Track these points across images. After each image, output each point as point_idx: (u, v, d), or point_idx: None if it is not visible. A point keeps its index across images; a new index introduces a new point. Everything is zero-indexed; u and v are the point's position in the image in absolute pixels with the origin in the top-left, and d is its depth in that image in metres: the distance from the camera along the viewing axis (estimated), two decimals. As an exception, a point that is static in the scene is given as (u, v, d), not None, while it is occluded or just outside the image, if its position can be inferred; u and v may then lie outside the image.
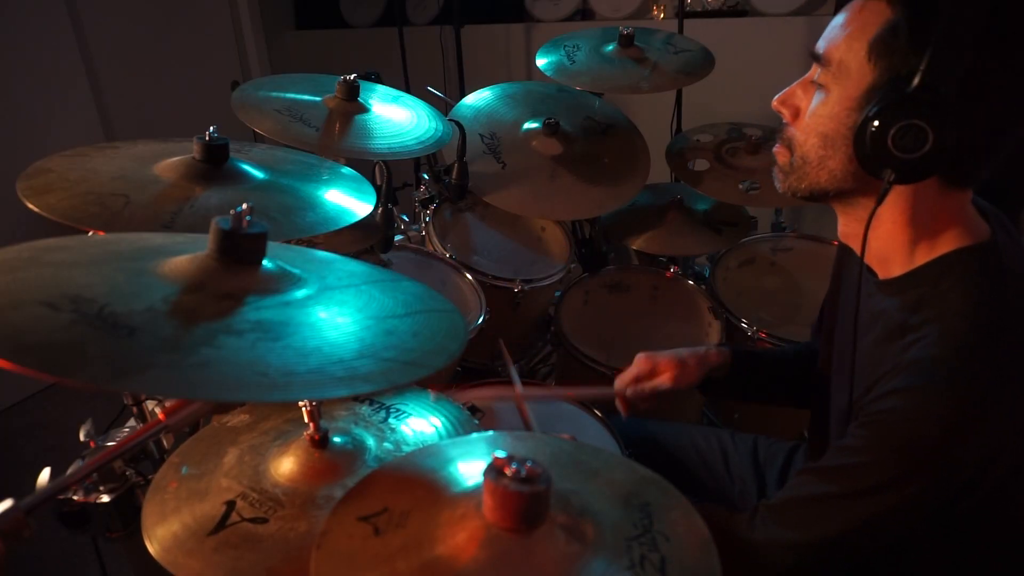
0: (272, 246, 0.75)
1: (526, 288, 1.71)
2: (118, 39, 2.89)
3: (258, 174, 1.06)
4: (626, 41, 1.90)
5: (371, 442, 0.90)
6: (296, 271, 0.75)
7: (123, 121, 2.94)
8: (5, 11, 2.50)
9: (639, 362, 1.22)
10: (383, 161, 1.49)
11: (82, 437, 0.95)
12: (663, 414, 1.59)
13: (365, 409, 0.98)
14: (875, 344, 0.88)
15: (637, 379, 1.22)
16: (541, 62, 1.88)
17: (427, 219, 1.82)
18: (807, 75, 0.90)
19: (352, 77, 1.36)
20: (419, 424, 0.96)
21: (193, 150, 1.01)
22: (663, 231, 1.96)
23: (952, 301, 0.80)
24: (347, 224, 1.02)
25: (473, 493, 0.67)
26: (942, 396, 0.76)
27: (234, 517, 0.79)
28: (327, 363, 0.63)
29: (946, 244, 0.84)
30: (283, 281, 0.73)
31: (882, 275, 0.91)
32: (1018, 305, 0.80)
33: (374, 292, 0.79)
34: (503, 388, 1.25)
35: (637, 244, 1.97)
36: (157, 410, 0.85)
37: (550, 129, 1.81)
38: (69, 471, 0.82)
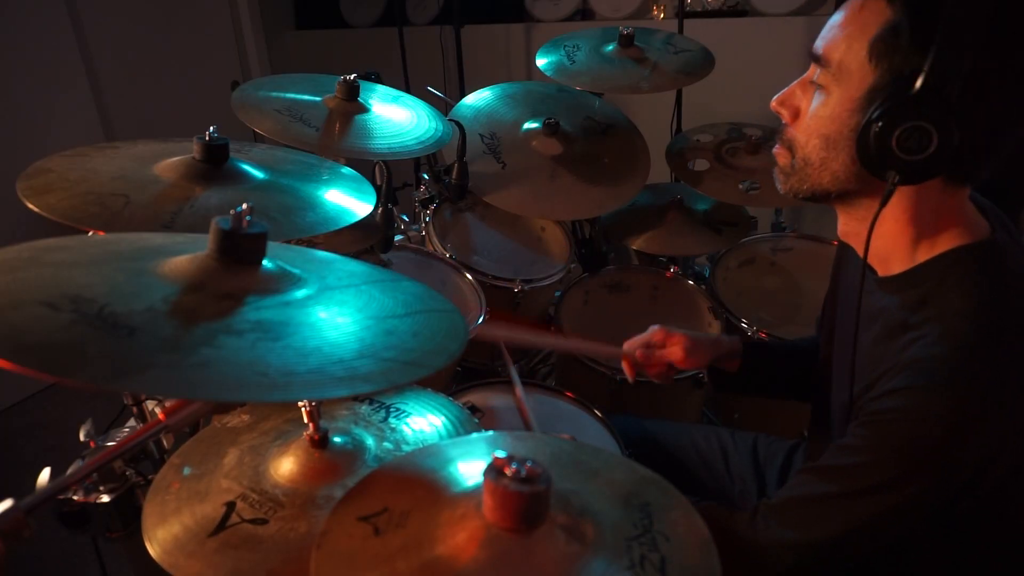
0: (272, 246, 0.74)
1: (526, 288, 1.71)
2: (118, 39, 2.89)
3: (258, 174, 1.06)
4: (626, 41, 1.90)
5: (371, 442, 0.90)
6: (296, 271, 0.75)
7: (123, 121, 2.94)
8: (5, 11, 2.50)
9: (653, 331, 1.24)
10: (383, 161, 1.49)
11: (82, 437, 0.95)
12: (662, 413, 1.59)
13: (365, 409, 0.98)
14: (875, 342, 0.88)
15: (648, 346, 1.23)
16: (541, 62, 1.88)
17: (427, 219, 1.82)
18: (806, 75, 0.89)
19: (352, 77, 1.36)
20: (419, 424, 0.96)
21: (193, 150, 1.01)
22: (663, 231, 1.96)
23: (953, 300, 0.80)
24: (347, 224, 1.02)
25: (473, 493, 0.67)
26: (942, 396, 0.76)
27: (234, 518, 0.79)
28: (327, 363, 0.63)
29: (947, 242, 0.84)
30: (283, 281, 0.73)
31: (882, 272, 0.91)
32: (1018, 305, 0.80)
33: (374, 292, 0.79)
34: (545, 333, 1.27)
35: (637, 244, 1.97)
36: (157, 410, 0.85)
37: (550, 129, 1.81)
38: (69, 471, 0.82)
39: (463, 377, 1.73)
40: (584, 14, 3.23)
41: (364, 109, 1.36)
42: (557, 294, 1.87)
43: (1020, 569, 0.90)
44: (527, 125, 1.86)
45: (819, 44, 0.85)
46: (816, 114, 0.86)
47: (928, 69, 0.74)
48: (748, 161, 1.92)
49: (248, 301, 0.68)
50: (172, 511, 0.80)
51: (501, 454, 0.63)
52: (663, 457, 1.35)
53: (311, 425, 0.85)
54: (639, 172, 1.88)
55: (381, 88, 1.49)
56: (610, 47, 1.92)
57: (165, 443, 0.98)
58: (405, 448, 0.90)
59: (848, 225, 0.93)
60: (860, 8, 0.81)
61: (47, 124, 2.69)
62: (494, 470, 0.63)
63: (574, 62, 1.90)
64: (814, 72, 0.87)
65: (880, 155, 0.78)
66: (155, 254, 0.72)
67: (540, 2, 3.27)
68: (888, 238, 0.87)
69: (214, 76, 3.20)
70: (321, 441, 0.85)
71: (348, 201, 1.07)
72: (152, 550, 0.76)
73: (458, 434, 0.96)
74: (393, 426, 0.95)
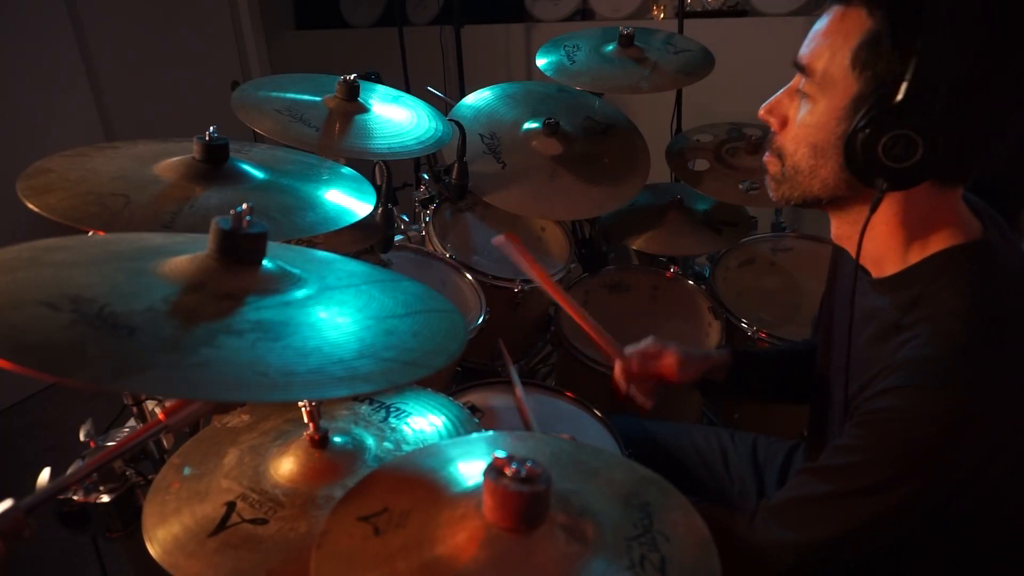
0: (272, 246, 0.75)
1: (526, 288, 1.71)
2: (118, 39, 2.89)
3: (258, 174, 1.06)
4: (626, 41, 1.90)
5: (371, 442, 0.90)
6: (296, 271, 0.75)
7: (123, 121, 2.94)
8: (5, 11, 2.50)
9: (650, 343, 1.25)
10: (383, 161, 1.49)
11: (82, 437, 0.95)
12: (662, 413, 1.59)
13: (365, 409, 0.98)
14: (869, 343, 0.88)
15: (643, 355, 1.24)
16: (541, 62, 1.88)
17: (427, 219, 1.82)
18: (792, 83, 0.89)
19: (352, 77, 1.36)
20: (419, 424, 0.96)
21: (193, 150, 1.01)
22: (663, 231, 1.96)
23: (945, 300, 0.80)
24: (347, 224, 1.02)
25: (473, 493, 0.67)
26: (936, 396, 0.76)
27: (234, 518, 0.79)
28: (327, 363, 0.63)
29: (939, 243, 0.84)
30: (283, 281, 0.73)
31: (875, 274, 0.91)
32: (1011, 304, 0.80)
33: (374, 292, 0.79)
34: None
35: (637, 244, 1.97)
36: (157, 410, 0.85)
37: (550, 129, 1.81)
38: (69, 471, 0.82)
39: (463, 377, 1.73)
40: (584, 14, 3.23)
41: (364, 109, 1.36)
42: (557, 294, 1.87)
43: (1019, 569, 0.90)
44: (527, 125, 1.86)
45: (803, 53, 0.85)
46: (803, 123, 0.86)
47: (911, 76, 0.74)
48: (748, 161, 1.92)
49: (248, 301, 0.68)
50: (172, 511, 0.80)
51: (501, 454, 0.64)
52: (663, 457, 1.35)
53: (311, 425, 0.85)
54: (639, 172, 1.88)
55: (381, 88, 1.49)
56: (610, 47, 1.92)
57: (165, 443, 0.98)
58: (405, 448, 0.90)
59: (841, 229, 0.94)
60: (841, 17, 0.81)
61: (47, 124, 2.69)
62: (494, 470, 0.63)
63: (574, 62, 1.90)
64: (800, 80, 0.87)
65: (867, 163, 0.79)
66: (155, 254, 0.73)
67: (540, 2, 3.27)
68: (880, 240, 0.87)
69: (214, 76, 3.20)
70: (321, 441, 0.85)
71: (348, 201, 1.07)
72: (152, 550, 0.76)
73: (458, 434, 0.96)
74: (393, 426, 0.95)
